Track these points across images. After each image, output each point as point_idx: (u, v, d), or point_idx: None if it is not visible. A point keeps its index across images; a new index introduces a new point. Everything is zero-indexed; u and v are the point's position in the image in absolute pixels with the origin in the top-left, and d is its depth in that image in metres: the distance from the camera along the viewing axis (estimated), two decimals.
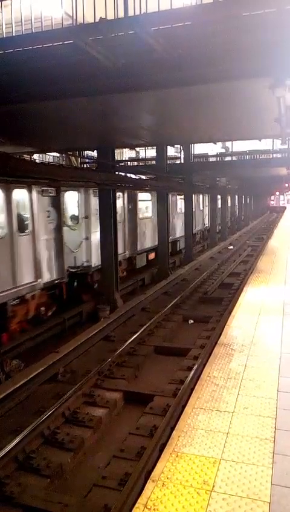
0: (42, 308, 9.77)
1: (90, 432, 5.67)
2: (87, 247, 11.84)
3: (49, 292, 10.01)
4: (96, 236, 12.03)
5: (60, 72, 5.66)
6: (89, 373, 7.08)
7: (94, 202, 11.94)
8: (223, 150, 24.25)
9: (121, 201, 13.81)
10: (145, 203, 16.73)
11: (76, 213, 11.71)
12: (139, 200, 15.71)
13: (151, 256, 16.71)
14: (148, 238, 16.54)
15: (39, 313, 9.70)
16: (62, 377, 7.34)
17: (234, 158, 21.58)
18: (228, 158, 22.01)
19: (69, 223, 11.45)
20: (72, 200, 11.59)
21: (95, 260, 12.05)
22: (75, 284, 11.59)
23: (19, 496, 4.46)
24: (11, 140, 10.32)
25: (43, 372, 7.26)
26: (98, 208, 11.79)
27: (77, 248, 11.44)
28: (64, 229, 10.72)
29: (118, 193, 13.07)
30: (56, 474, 4.88)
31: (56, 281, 10.11)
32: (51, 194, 9.98)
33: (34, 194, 9.40)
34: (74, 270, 11.13)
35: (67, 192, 11.18)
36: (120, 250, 13.19)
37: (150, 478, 3.36)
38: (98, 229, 11.90)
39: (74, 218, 11.71)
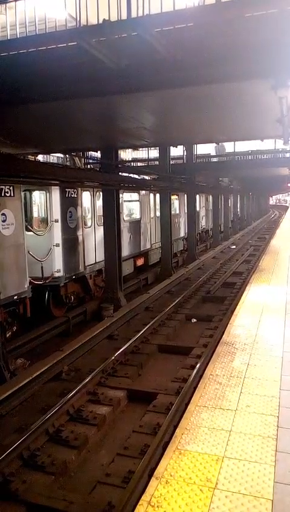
0: None
1: (94, 430, 5.71)
2: (58, 254, 10.40)
3: (6, 310, 8.34)
4: (71, 242, 10.91)
5: (63, 73, 5.71)
6: (93, 372, 7.12)
7: (67, 202, 10.74)
8: (215, 152, 22.65)
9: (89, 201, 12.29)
10: (131, 203, 15.58)
11: (44, 216, 10.50)
12: (125, 201, 14.19)
13: (140, 261, 15.58)
14: (134, 243, 15.30)
15: None
16: (66, 376, 7.38)
17: (236, 158, 21.59)
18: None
19: (35, 227, 10.37)
20: (39, 201, 10.45)
21: (69, 269, 10.76)
22: (47, 297, 10.40)
23: (24, 493, 4.49)
24: (15, 141, 10.36)
25: (48, 370, 7.29)
26: (71, 210, 10.86)
27: (45, 256, 10.09)
28: (29, 234, 9.43)
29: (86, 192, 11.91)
30: (60, 471, 4.91)
31: (15, 297, 8.46)
32: (7, 195, 8.24)
33: None
34: (39, 283, 9.77)
35: (34, 192, 10.26)
36: (91, 259, 12.06)
37: (154, 475, 3.38)
38: (74, 233, 11.05)
39: (42, 221, 10.56)
